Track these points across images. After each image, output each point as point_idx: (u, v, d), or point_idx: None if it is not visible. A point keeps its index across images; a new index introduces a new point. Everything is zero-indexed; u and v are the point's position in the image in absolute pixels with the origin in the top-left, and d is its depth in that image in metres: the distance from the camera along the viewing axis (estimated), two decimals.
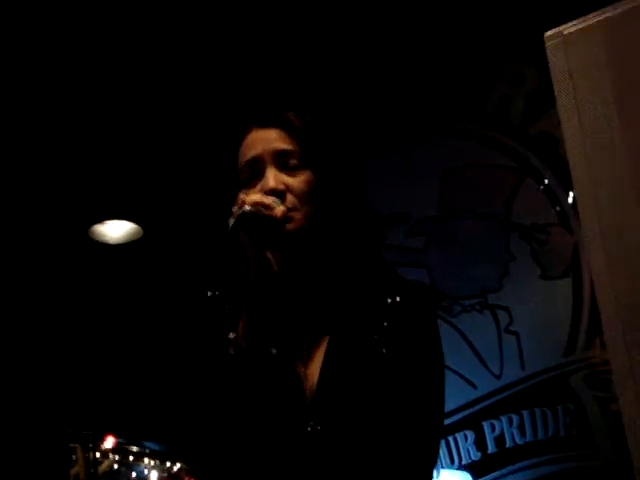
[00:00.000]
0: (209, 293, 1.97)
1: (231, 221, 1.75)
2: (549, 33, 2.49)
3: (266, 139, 1.90)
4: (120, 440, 6.17)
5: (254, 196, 1.79)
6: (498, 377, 3.50)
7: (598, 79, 2.44)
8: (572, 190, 3.37)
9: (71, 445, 5.60)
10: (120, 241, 4.71)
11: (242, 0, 3.70)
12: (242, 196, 1.78)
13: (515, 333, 3.49)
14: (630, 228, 2.41)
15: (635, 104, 2.35)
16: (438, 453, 2.04)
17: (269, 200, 1.78)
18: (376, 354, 1.83)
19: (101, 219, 4.64)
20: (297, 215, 1.84)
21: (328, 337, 1.87)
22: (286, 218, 1.80)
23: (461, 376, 3.58)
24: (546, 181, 3.51)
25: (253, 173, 1.88)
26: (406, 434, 1.80)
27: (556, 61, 2.46)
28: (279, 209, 1.78)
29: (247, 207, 1.74)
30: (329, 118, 3.61)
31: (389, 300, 1.89)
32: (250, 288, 1.78)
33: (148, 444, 6.32)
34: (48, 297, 4.67)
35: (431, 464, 1.91)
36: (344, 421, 1.79)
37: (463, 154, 3.72)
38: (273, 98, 3.80)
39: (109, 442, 6.10)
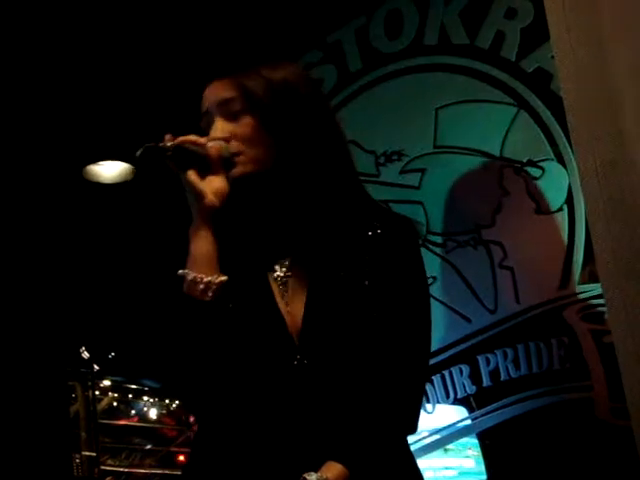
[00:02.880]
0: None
1: (138, 152, 1.83)
2: None
3: (212, 92, 1.97)
4: (119, 378, 6.23)
5: (188, 136, 1.85)
6: (493, 312, 3.53)
7: None
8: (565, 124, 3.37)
9: (70, 383, 5.66)
10: (114, 181, 4.71)
11: None
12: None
13: (509, 268, 3.51)
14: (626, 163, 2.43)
15: None
16: (426, 382, 2.08)
17: (202, 139, 1.83)
18: (359, 286, 1.86)
19: (95, 159, 4.65)
20: (242, 159, 1.89)
21: (309, 270, 1.89)
22: (230, 161, 1.85)
23: (455, 311, 3.61)
24: (540, 116, 3.49)
25: (207, 126, 1.92)
26: (393, 364, 1.84)
27: None
28: (214, 147, 1.83)
29: (168, 143, 1.81)
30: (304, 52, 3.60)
31: (370, 233, 1.91)
32: (195, 218, 1.82)
33: (147, 382, 6.39)
34: (42, 235, 4.68)
35: (419, 393, 1.95)
36: (330, 354, 1.82)
37: (457, 89, 3.70)
38: (251, 38, 3.80)
39: (108, 380, 6.16)
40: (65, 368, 5.40)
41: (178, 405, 6.90)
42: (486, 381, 3.54)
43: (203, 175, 1.83)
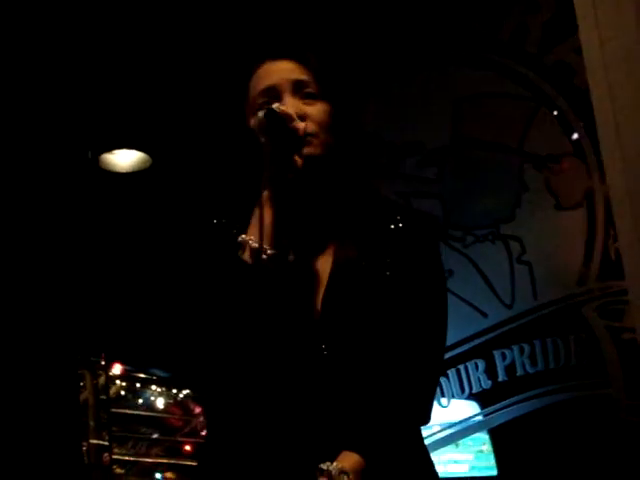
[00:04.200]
0: (215, 221, 1.98)
1: (260, 113, 1.78)
2: None
3: (282, 69, 1.91)
4: (127, 367, 6.22)
5: (282, 106, 1.81)
6: (509, 307, 3.52)
7: None
8: (586, 120, 3.35)
9: (79, 371, 5.65)
10: (129, 170, 4.70)
11: None
12: (275, 104, 1.80)
13: (527, 263, 3.50)
14: None
15: None
16: (441, 373, 2.07)
17: (293, 113, 1.80)
18: (380, 276, 1.85)
19: (110, 148, 4.63)
20: (315, 141, 1.86)
21: (331, 258, 1.88)
22: (305, 139, 1.82)
23: (472, 306, 3.60)
24: (561, 111, 3.48)
25: (268, 102, 1.88)
26: (409, 355, 1.82)
27: None
28: (301, 124, 1.80)
29: (276, 106, 1.77)
30: (341, 48, 3.59)
31: (392, 226, 1.90)
32: (265, 189, 1.80)
33: (155, 371, 6.38)
34: (57, 225, 4.67)
35: (434, 384, 1.94)
36: (347, 342, 1.80)
37: (477, 83, 3.69)
38: (283, 31, 3.77)
39: (117, 369, 6.15)
40: (75, 356, 5.39)
41: (185, 395, 6.87)
42: (502, 376, 3.53)
43: (285, 147, 1.82)
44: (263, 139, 1.80)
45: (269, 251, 1.78)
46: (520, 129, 3.55)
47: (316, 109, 1.88)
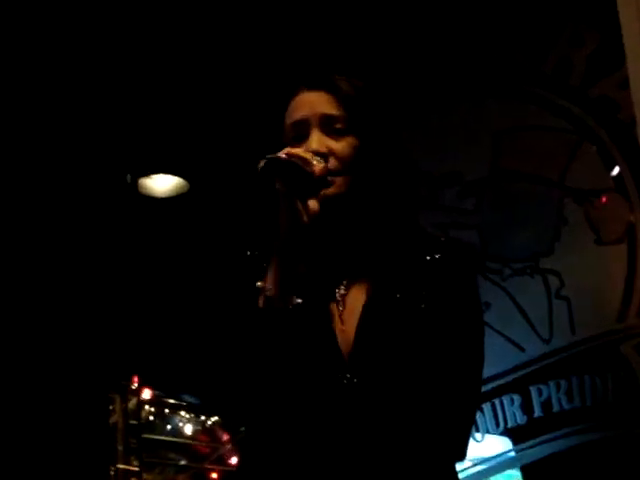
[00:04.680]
0: (248, 252, 1.97)
1: (261, 162, 1.76)
2: None
3: (313, 102, 1.89)
4: (157, 392, 6.22)
5: (294, 149, 1.79)
6: (547, 342, 3.48)
7: None
8: (629, 155, 3.33)
9: (110, 395, 5.65)
10: (167, 195, 4.72)
11: None
12: (286, 149, 1.78)
13: (566, 298, 3.46)
14: None
15: None
16: (477, 409, 2.03)
17: (308, 155, 1.78)
18: (415, 309, 1.82)
19: (148, 172, 4.66)
20: (339, 180, 1.84)
21: (365, 291, 1.86)
22: (326, 180, 1.80)
23: (509, 340, 3.56)
24: (603, 145, 3.45)
25: (298, 135, 1.87)
26: (444, 388, 1.79)
27: (627, 11, 2.42)
28: (318, 166, 1.78)
29: (283, 154, 1.75)
30: (382, 78, 3.60)
31: (428, 257, 1.88)
32: (278, 236, 1.78)
33: (185, 397, 6.38)
34: (94, 248, 4.69)
35: (470, 419, 1.90)
36: (380, 374, 1.78)
37: (519, 115, 3.67)
38: (324, 59, 3.78)
39: (147, 393, 6.15)
40: (106, 380, 5.40)
41: (214, 422, 6.86)
42: (538, 411, 3.49)
43: (300, 192, 1.80)
44: (277, 185, 1.79)
45: (279, 299, 1.77)
46: (562, 163, 3.53)
47: (341, 145, 1.86)
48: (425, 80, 3.94)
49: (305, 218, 1.78)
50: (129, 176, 4.64)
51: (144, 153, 4.63)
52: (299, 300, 1.78)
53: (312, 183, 1.79)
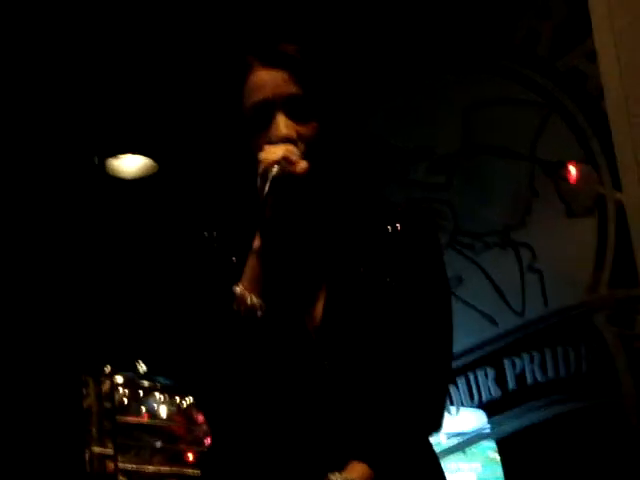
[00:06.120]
0: (206, 233, 1.95)
1: (265, 188, 1.73)
2: None
3: (274, 82, 1.85)
4: (131, 374, 6.19)
5: (277, 152, 1.76)
6: (520, 314, 3.49)
7: None
8: (597, 126, 3.33)
9: (83, 378, 5.62)
10: (135, 176, 4.68)
11: None
12: (264, 156, 1.75)
13: (538, 271, 3.47)
14: None
15: None
16: (450, 380, 2.03)
17: (293, 155, 1.75)
18: (380, 283, 1.81)
19: (115, 153, 4.62)
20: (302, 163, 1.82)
21: (330, 270, 1.85)
22: (305, 177, 1.78)
23: (483, 313, 3.57)
24: (572, 117, 3.45)
25: (261, 117, 1.83)
26: (416, 362, 1.78)
27: None
28: (301, 165, 1.76)
29: (275, 169, 1.72)
30: (347, 51, 3.57)
31: (389, 228, 1.87)
32: (261, 243, 1.76)
33: (159, 378, 6.35)
34: (62, 230, 4.65)
35: (443, 391, 1.90)
36: (350, 353, 1.77)
37: (488, 88, 3.66)
38: (279, 32, 3.74)
39: (120, 376, 6.12)
40: (79, 363, 5.37)
41: (189, 403, 6.83)
42: (512, 385, 3.50)
43: (284, 195, 1.77)
44: (268, 199, 1.76)
45: (259, 305, 1.76)
46: (531, 135, 3.52)
47: (307, 129, 1.84)
48: (396, 55, 3.93)
49: (270, 211, 1.75)
50: (96, 157, 4.60)
51: (112, 133, 4.59)
52: (275, 305, 1.76)
53: (297, 183, 1.77)
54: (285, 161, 1.74)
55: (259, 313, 1.73)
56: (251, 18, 3.82)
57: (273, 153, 1.75)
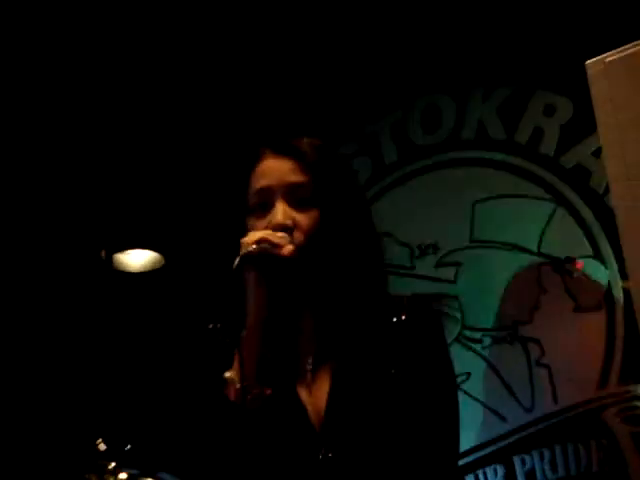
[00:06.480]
0: (210, 325, 1.95)
1: (236, 260, 1.74)
2: (591, 61, 2.48)
3: (279, 169, 1.89)
4: (135, 471, 6.12)
5: (262, 232, 1.78)
6: (529, 410, 3.45)
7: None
8: (606, 221, 3.34)
9: (86, 476, 5.56)
10: (142, 269, 4.69)
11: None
12: (244, 238, 1.77)
13: (547, 366, 3.44)
14: None
15: None
16: (456, 476, 1.99)
17: (277, 238, 1.76)
18: (384, 375, 1.80)
19: (123, 248, 4.64)
20: (300, 251, 1.83)
21: (333, 362, 1.84)
22: (291, 259, 1.79)
23: (491, 409, 3.52)
24: (579, 212, 3.47)
25: (262, 203, 1.87)
26: (421, 457, 1.76)
27: (598, 88, 2.45)
28: (287, 248, 1.77)
29: (253, 246, 1.73)
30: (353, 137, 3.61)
31: (394, 319, 1.86)
32: (246, 327, 1.76)
33: (164, 475, 6.28)
34: (68, 324, 4.65)
35: None
36: (355, 445, 1.75)
37: (494, 184, 3.69)
38: (288, 121, 3.82)
39: (123, 473, 6.04)
40: (82, 460, 5.30)
41: None
42: None
43: (266, 275, 1.78)
44: (245, 275, 1.77)
45: (253, 390, 1.75)
46: (537, 230, 3.54)
47: (306, 217, 1.86)
48: (402, 149, 3.98)
49: (267, 306, 1.75)
50: (104, 252, 4.62)
51: (118, 229, 4.61)
52: (269, 392, 1.75)
53: (281, 264, 1.78)
54: (266, 242, 1.75)
55: (252, 397, 1.72)
56: (264, 108, 3.89)
57: (253, 235, 1.77)
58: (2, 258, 4.32)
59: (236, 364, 1.78)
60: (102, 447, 5.32)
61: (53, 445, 4.76)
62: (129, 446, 5.48)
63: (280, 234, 1.81)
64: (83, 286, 4.62)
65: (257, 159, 1.94)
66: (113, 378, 4.98)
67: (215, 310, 2.03)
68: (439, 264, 3.74)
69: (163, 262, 4.67)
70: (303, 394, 1.86)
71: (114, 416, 5.11)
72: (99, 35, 4.02)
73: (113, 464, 5.47)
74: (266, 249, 1.77)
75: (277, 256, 1.76)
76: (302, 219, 1.86)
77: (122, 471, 5.85)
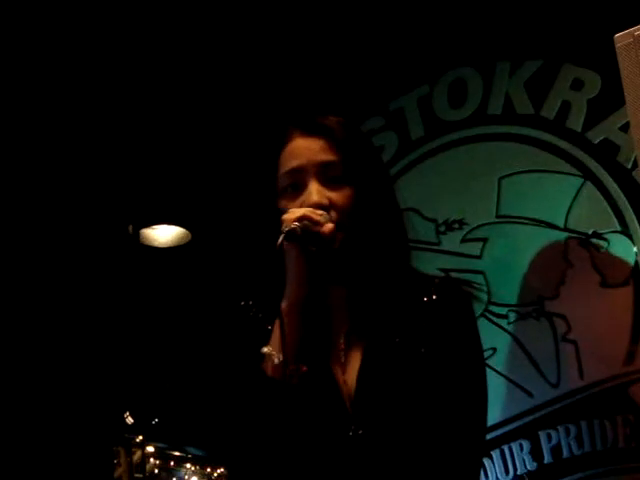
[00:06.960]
0: (242, 302, 1.96)
1: (280, 238, 1.75)
2: (619, 35, 2.45)
3: (310, 149, 1.89)
4: (162, 444, 6.16)
5: (303, 210, 1.78)
6: (555, 386, 3.44)
7: None
8: (633, 196, 3.32)
9: (115, 448, 5.60)
10: (168, 245, 4.72)
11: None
12: (285, 216, 1.77)
13: (573, 342, 3.44)
14: None
15: None
16: (484, 453, 2.00)
17: (318, 216, 1.77)
18: (414, 354, 1.81)
19: (150, 223, 4.67)
20: (338, 234, 1.84)
21: (365, 339, 1.85)
22: (333, 239, 1.80)
23: (517, 384, 3.53)
24: (606, 187, 3.45)
25: (294, 183, 1.87)
26: (449, 434, 1.78)
27: (627, 61, 2.42)
28: (328, 226, 1.77)
29: (295, 224, 1.74)
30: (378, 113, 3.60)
31: (425, 299, 1.87)
32: (287, 304, 1.77)
33: (190, 449, 6.31)
34: (96, 299, 4.68)
35: (477, 464, 1.88)
36: (385, 423, 1.76)
37: (521, 159, 3.67)
38: (315, 101, 3.82)
39: (151, 446, 6.09)
40: (110, 433, 5.35)
41: (219, 474, 6.77)
42: (547, 458, 3.44)
43: (307, 252, 1.79)
44: (289, 254, 1.77)
45: (291, 366, 1.76)
46: (564, 205, 3.52)
47: (340, 195, 1.86)
48: (428, 124, 3.97)
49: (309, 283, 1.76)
50: (131, 227, 4.65)
51: (146, 204, 4.64)
52: (305, 369, 1.77)
53: (323, 243, 1.79)
54: (308, 220, 1.76)
55: (290, 372, 1.74)
56: (292, 88, 3.89)
57: (294, 213, 1.78)
58: (30, 234, 4.36)
59: (275, 340, 1.79)
60: (129, 420, 5.38)
61: (81, 418, 4.80)
62: (156, 420, 5.55)
63: (320, 212, 1.82)
64: (111, 261, 4.65)
65: (286, 139, 1.94)
66: (140, 353, 5.01)
67: (245, 286, 2.04)
68: (465, 239, 3.74)
69: (190, 238, 4.69)
70: (336, 372, 1.88)
71: (141, 390, 5.15)
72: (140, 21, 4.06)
73: (140, 437, 5.54)
74: (309, 227, 1.78)
75: (319, 234, 1.77)
76: (337, 197, 1.87)
77: (149, 444, 5.94)
